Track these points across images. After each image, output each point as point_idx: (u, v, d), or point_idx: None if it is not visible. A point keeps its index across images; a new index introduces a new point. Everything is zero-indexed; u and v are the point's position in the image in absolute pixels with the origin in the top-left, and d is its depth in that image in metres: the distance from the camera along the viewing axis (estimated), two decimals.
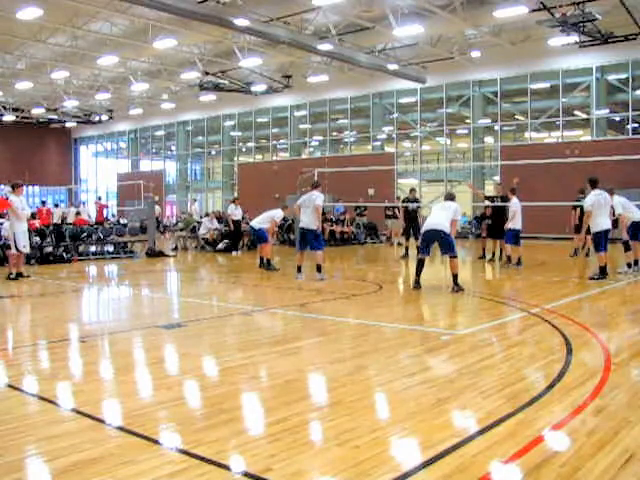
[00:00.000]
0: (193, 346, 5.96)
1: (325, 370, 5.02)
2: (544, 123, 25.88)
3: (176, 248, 19.73)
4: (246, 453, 3.23)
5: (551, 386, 4.37)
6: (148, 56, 26.23)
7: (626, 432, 3.46)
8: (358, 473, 2.96)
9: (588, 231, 11.84)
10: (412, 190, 16.52)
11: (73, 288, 10.99)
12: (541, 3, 17.11)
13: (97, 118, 35.86)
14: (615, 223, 11.92)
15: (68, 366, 5.29)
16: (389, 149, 30.16)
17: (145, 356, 5.67)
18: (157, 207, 25.56)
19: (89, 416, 3.79)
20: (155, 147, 41.85)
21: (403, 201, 16.92)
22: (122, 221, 30.74)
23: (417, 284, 9.62)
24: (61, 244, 15.79)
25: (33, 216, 16.00)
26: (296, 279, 10.99)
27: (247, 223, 17.24)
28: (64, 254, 15.11)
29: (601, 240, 10.72)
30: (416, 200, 16.39)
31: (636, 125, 23.87)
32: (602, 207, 10.73)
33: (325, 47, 21.47)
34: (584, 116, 25.08)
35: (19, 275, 11.30)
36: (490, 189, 23.72)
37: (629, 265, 11.54)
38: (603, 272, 10.63)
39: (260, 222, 13.27)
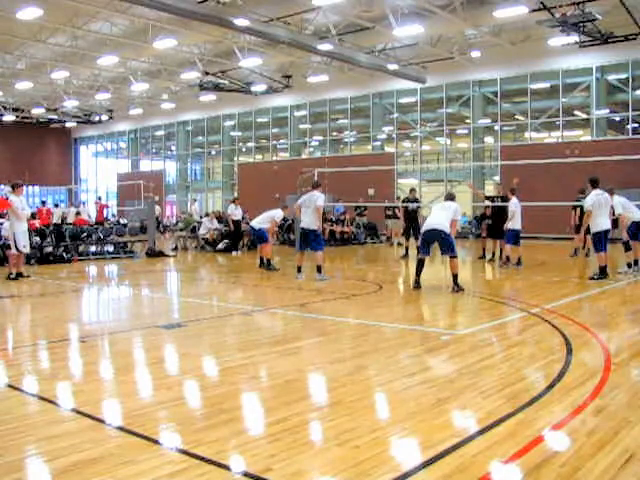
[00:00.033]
0: (193, 346, 5.96)
1: (325, 370, 5.02)
2: (544, 123, 25.88)
3: (176, 248, 19.73)
4: (246, 453, 3.23)
5: (551, 386, 4.37)
6: (148, 56, 26.23)
7: (626, 432, 3.46)
8: (358, 473, 2.96)
9: (588, 231, 11.85)
10: (412, 190, 16.51)
11: (73, 288, 10.99)
12: (541, 3, 17.10)
13: (97, 118, 35.86)
14: (615, 223, 11.92)
15: (68, 366, 5.29)
16: (389, 149, 30.16)
17: (145, 356, 5.67)
18: (157, 207, 25.57)
19: (89, 416, 3.79)
20: (155, 147, 41.85)
21: (403, 201, 16.92)
22: (122, 221, 30.82)
23: (417, 284, 9.62)
24: (61, 244, 15.79)
25: (33, 216, 16.00)
26: (296, 279, 10.98)
27: (247, 223, 17.24)
28: (64, 254, 15.11)
29: (601, 240, 10.72)
30: (416, 200, 16.39)
31: (636, 125, 23.86)
32: (602, 207, 10.73)
33: (325, 47, 21.47)
34: (584, 116, 25.08)
35: (19, 275, 11.30)
36: (490, 189, 23.74)
37: (629, 265, 11.54)
38: (603, 272, 10.63)
39: (260, 222, 13.27)
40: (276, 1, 19.73)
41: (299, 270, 11.17)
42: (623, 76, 23.45)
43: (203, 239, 19.31)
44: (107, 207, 30.85)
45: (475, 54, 23.91)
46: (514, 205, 12.66)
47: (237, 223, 18.34)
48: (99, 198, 31.10)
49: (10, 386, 4.54)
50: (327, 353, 5.64)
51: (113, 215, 34.57)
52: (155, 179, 32.02)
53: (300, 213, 11.15)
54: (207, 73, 26.15)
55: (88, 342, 6.15)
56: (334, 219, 22.86)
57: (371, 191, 27.06)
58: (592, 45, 19.17)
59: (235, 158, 36.33)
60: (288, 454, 3.18)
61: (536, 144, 25.31)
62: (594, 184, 10.93)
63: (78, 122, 37.43)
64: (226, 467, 3.07)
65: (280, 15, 20.09)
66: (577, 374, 4.68)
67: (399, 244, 19.10)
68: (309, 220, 10.88)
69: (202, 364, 5.35)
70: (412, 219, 15.71)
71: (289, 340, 6.23)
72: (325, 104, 30.93)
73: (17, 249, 11.13)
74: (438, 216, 9.67)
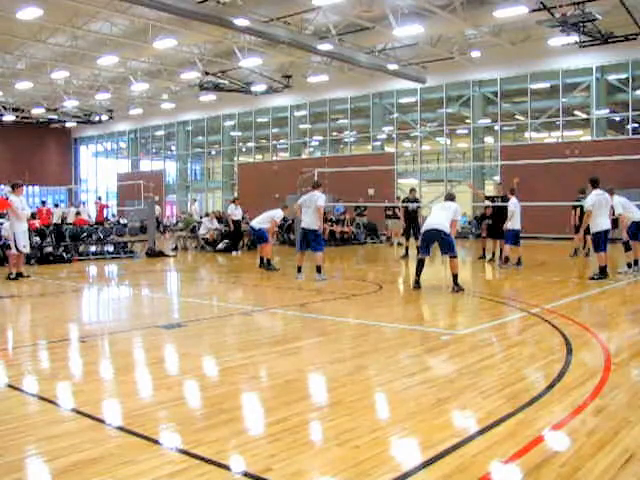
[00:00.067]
0: (193, 346, 5.96)
1: (325, 370, 5.02)
2: (544, 123, 25.89)
3: (176, 248, 19.73)
4: (246, 453, 3.23)
5: (551, 386, 4.37)
6: (148, 56, 26.23)
7: (626, 432, 3.46)
8: (358, 473, 2.96)
9: (588, 231, 11.84)
10: (412, 190, 16.52)
11: (73, 288, 10.99)
12: (541, 3, 17.11)
13: (97, 118, 35.85)
14: (615, 223, 11.92)
15: (68, 366, 5.29)
16: (389, 149, 30.16)
17: (145, 356, 5.67)
18: (157, 207, 25.58)
19: (89, 416, 3.79)
20: (155, 147, 41.84)
21: (403, 201, 16.92)
22: (122, 221, 30.84)
23: (417, 284, 9.62)
24: (61, 244, 15.80)
25: (33, 216, 16.00)
26: (296, 279, 10.98)
27: (247, 223, 17.24)
28: (64, 254, 15.10)
29: (601, 240, 10.73)
30: (416, 200, 16.39)
31: (636, 125, 23.87)
32: (602, 207, 10.74)
33: (325, 47, 21.48)
34: (584, 116, 25.08)
35: (19, 275, 11.30)
36: (490, 189, 23.73)
37: (629, 265, 11.54)
38: (603, 272, 10.63)
39: (260, 222, 13.27)
40: (276, 1, 19.74)
41: (299, 270, 11.17)
42: (623, 76, 23.45)
43: (203, 239, 19.31)
44: (107, 207, 30.87)
45: (475, 54, 23.91)
46: (513, 205, 12.66)
47: (237, 223, 18.35)
48: (99, 198, 31.10)
49: (10, 386, 4.54)
50: (327, 353, 5.64)
51: (113, 215, 34.58)
52: (155, 179, 32.05)
53: (301, 213, 11.15)
54: (207, 73, 26.15)
55: (88, 342, 6.15)
56: (334, 219, 22.86)
57: (371, 191, 27.07)
58: (592, 45, 19.16)
59: (235, 158, 36.33)
60: (288, 454, 3.18)
61: (536, 144, 25.31)
62: (594, 184, 10.92)
63: (78, 122, 37.43)
64: (226, 467, 3.06)
65: (280, 15, 20.09)
66: (577, 374, 4.68)
67: (399, 244, 19.10)
68: (310, 220, 10.88)
69: (202, 364, 5.35)
70: (412, 219, 15.72)
71: (289, 340, 6.23)
72: (325, 104, 30.93)
73: (17, 249, 11.13)
74: (438, 216, 9.67)
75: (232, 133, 36.32)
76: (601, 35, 18.31)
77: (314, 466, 3.09)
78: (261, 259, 13.13)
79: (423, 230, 9.77)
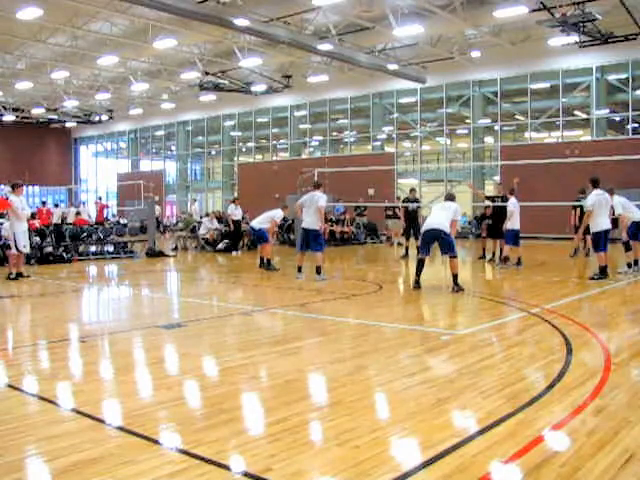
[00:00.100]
0: (193, 346, 5.96)
1: (325, 370, 5.02)
2: (544, 123, 25.88)
3: (176, 248, 19.73)
4: (246, 453, 3.23)
5: (551, 386, 4.37)
6: (148, 56, 26.23)
7: (626, 432, 3.46)
8: (358, 473, 2.96)
9: (588, 231, 11.85)
10: (412, 190, 16.53)
11: (73, 288, 10.99)
12: (541, 3, 17.11)
13: (97, 118, 35.86)
14: (615, 223, 11.92)
15: (68, 366, 5.29)
16: (389, 149, 30.16)
17: (145, 356, 5.67)
18: (157, 207, 25.57)
19: (89, 416, 3.79)
20: (155, 147, 41.84)
21: (403, 201, 16.92)
22: (122, 221, 30.85)
23: (417, 284, 9.62)
24: (61, 244, 15.80)
25: (33, 216, 16.00)
26: (296, 279, 10.98)
27: (247, 223, 17.24)
28: (64, 254, 15.11)
29: (601, 240, 10.73)
30: (416, 200, 16.39)
31: (636, 125, 23.86)
32: (603, 207, 10.74)
33: (325, 47, 21.47)
34: (584, 116, 25.08)
35: (19, 275, 11.30)
36: (490, 189, 23.74)
37: (629, 265, 11.54)
38: (603, 272, 10.63)
39: (260, 222, 13.27)
40: (276, 1, 19.73)
41: (299, 270, 11.17)
42: (623, 76, 23.45)
43: (203, 239, 19.31)
44: (107, 207, 30.86)
45: (475, 54, 23.91)
46: (512, 205, 12.66)
47: (237, 223, 18.35)
48: (99, 198, 31.11)
49: (10, 386, 4.54)
50: (327, 353, 5.64)
51: (113, 215, 34.57)
52: (155, 179, 32.03)
53: (301, 213, 11.15)
54: (207, 73, 26.15)
55: (88, 342, 6.15)
56: (334, 219, 22.86)
57: (371, 191, 27.06)
58: (592, 45, 19.16)
59: (235, 158, 36.33)
60: (288, 454, 3.18)
61: (536, 144, 25.31)
62: (595, 184, 10.92)
63: (78, 122, 37.43)
64: (226, 467, 3.06)
65: (280, 15, 20.08)
66: (577, 374, 4.68)
67: (399, 244, 19.10)
68: (311, 220, 10.88)
69: (202, 364, 5.35)
70: (412, 219, 15.72)
71: (289, 340, 6.23)
72: (325, 104, 30.93)
73: (17, 249, 11.14)
74: (438, 216, 9.68)
75: (232, 133, 36.32)
76: (601, 35, 18.30)
77: (314, 466, 3.09)
78: (261, 259, 13.13)
79: (423, 230, 9.77)
